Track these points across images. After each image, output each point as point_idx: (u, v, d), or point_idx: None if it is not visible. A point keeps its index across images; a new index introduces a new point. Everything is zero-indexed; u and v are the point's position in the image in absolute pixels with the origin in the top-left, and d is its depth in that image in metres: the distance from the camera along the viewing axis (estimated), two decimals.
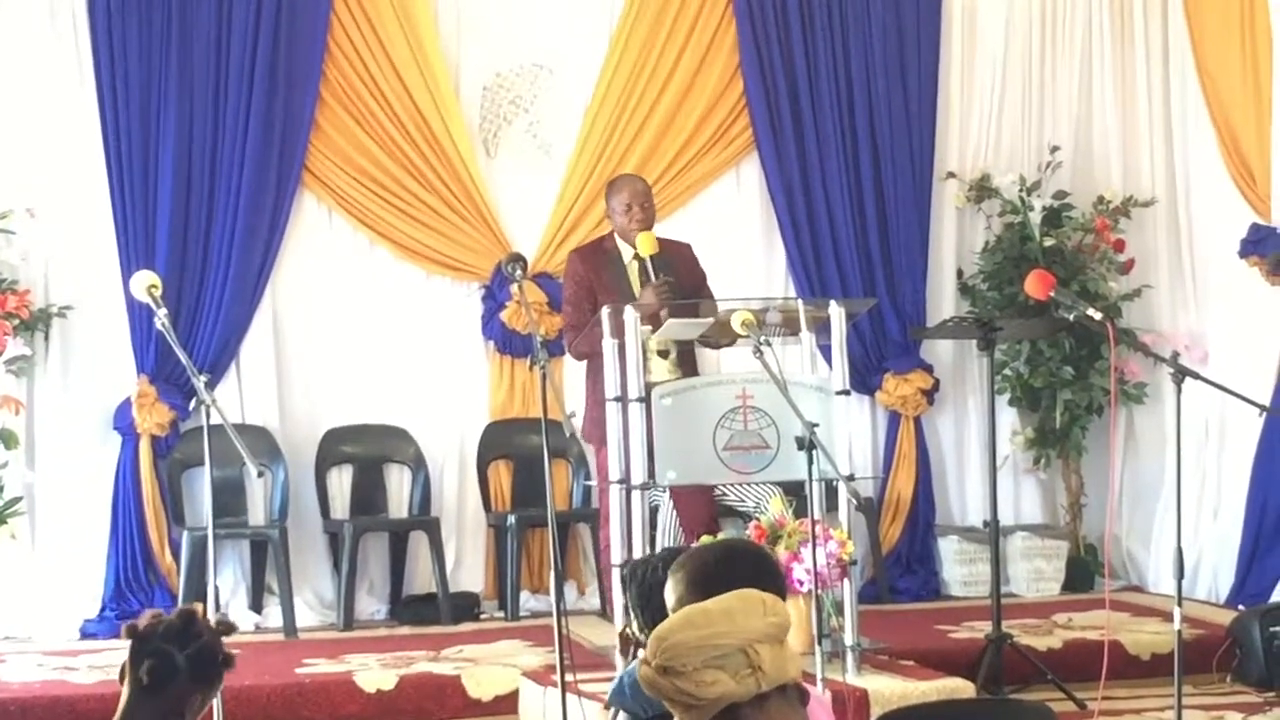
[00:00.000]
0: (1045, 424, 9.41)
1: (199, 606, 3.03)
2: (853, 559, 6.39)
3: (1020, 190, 9.42)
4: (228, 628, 2.83)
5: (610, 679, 6.28)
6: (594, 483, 8.59)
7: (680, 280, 7.12)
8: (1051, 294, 6.14)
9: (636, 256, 7.13)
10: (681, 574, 3.50)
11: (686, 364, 7.12)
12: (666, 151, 9.22)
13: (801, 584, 5.97)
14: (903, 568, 9.27)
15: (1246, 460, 8.70)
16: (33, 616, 8.15)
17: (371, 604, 8.77)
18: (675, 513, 6.89)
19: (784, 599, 3.42)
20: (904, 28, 9.48)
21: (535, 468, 8.54)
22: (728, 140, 9.38)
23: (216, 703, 5.04)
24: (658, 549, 6.69)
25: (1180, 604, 5.48)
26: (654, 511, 6.76)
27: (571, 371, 8.84)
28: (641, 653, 2.88)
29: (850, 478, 6.16)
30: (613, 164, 9.12)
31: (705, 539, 6.21)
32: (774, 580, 3.51)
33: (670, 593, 3.48)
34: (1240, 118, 8.98)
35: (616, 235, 7.36)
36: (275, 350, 8.81)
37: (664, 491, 6.73)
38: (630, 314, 6.44)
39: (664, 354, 7.02)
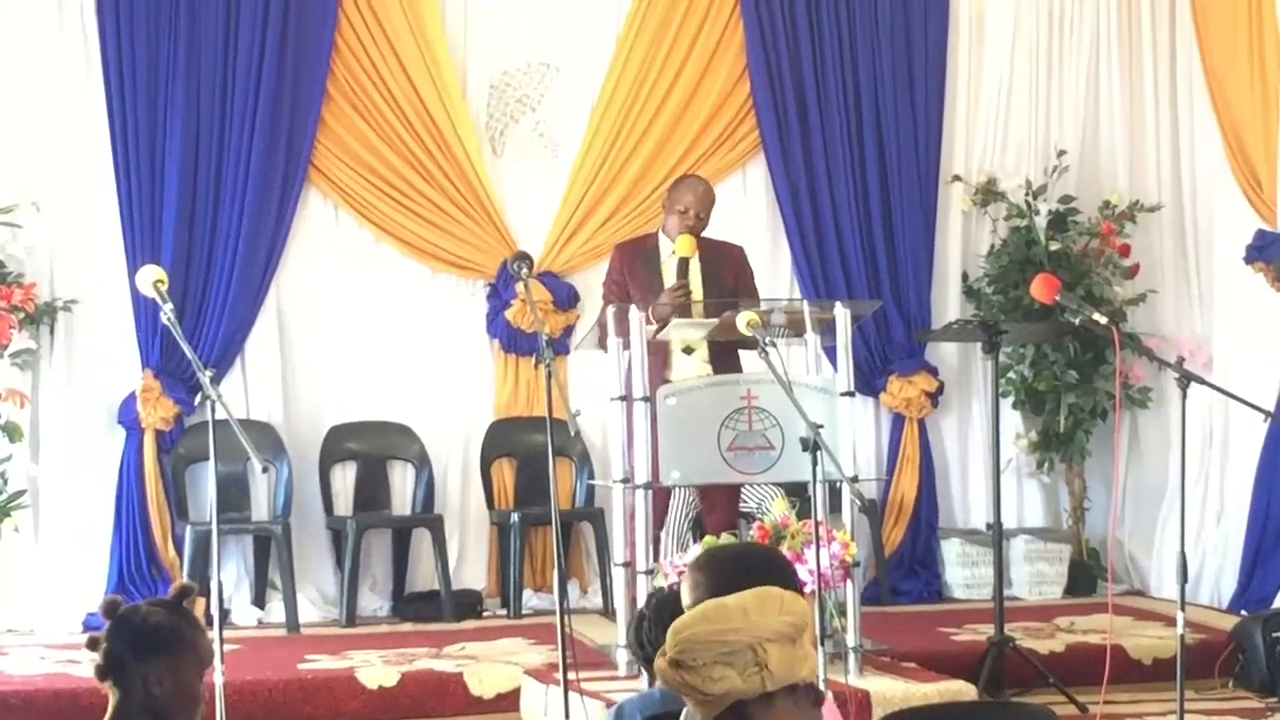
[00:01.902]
0: (1049, 427, 9.41)
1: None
2: (856, 560, 6.39)
3: (1026, 194, 9.42)
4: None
5: (611, 677, 6.32)
6: (597, 481, 8.62)
7: (723, 281, 7.11)
8: (1057, 298, 6.15)
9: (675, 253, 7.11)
10: (698, 577, 3.51)
11: (724, 360, 7.06)
12: (673, 152, 9.22)
13: (804, 585, 5.97)
14: (905, 570, 9.26)
15: (1250, 465, 8.70)
16: (36, 609, 8.17)
17: (374, 601, 8.78)
18: (682, 511, 6.88)
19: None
20: (911, 30, 9.48)
21: (539, 466, 8.53)
22: (734, 141, 9.37)
23: (219, 698, 5.04)
24: (662, 548, 6.72)
25: (1183, 609, 5.48)
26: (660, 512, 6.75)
27: (576, 370, 8.85)
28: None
29: (854, 479, 6.15)
30: (619, 163, 9.13)
31: (709, 539, 6.24)
32: (787, 583, 3.53)
33: (687, 594, 3.50)
34: (1247, 123, 8.98)
35: (662, 231, 7.34)
36: (280, 346, 8.81)
37: (671, 490, 6.73)
38: (635, 314, 6.44)
39: (688, 351, 7.00)
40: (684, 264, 6.98)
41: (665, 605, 4.04)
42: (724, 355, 7.04)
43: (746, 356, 7.11)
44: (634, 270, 7.22)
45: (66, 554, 8.32)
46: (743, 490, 6.86)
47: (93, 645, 3.26)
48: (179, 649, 3.22)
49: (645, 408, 6.36)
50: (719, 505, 6.88)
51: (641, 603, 5.43)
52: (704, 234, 7.18)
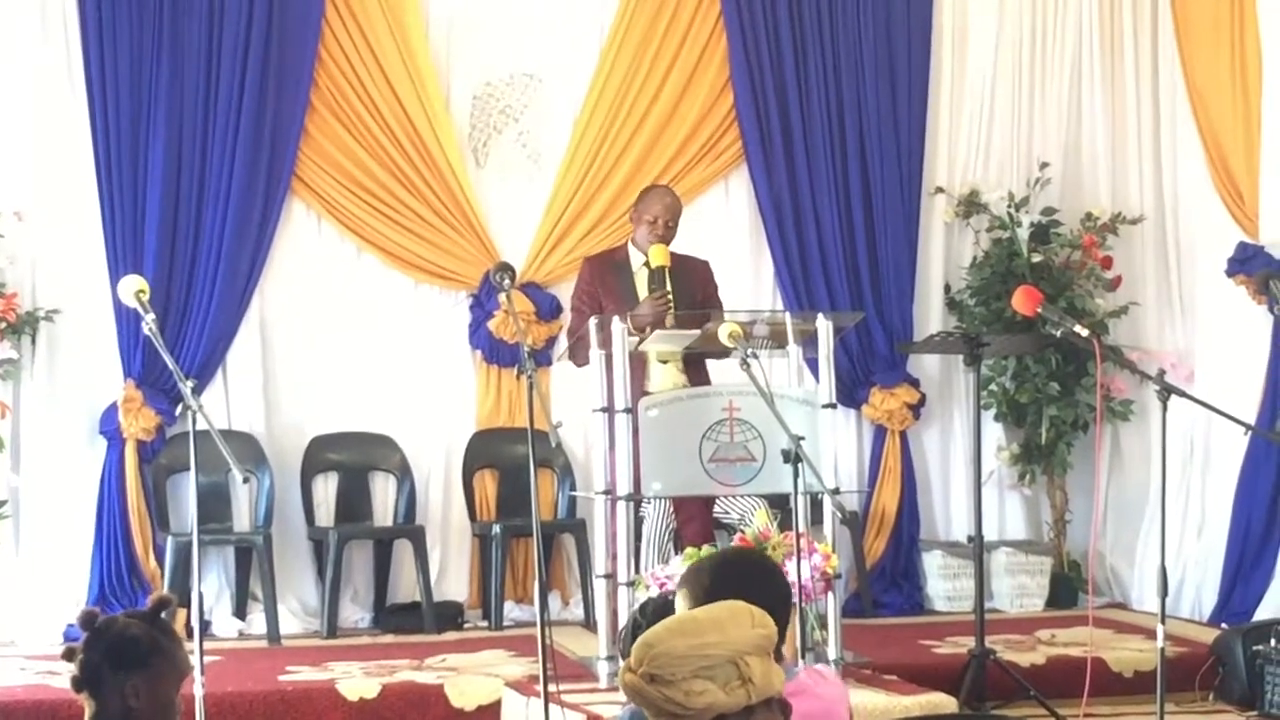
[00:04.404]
0: (1031, 440, 9.42)
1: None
2: (837, 573, 6.39)
3: (1009, 206, 9.44)
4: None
5: (592, 689, 6.31)
6: (579, 493, 8.61)
7: (690, 294, 7.12)
8: (1038, 310, 6.16)
9: (647, 264, 7.12)
10: (686, 589, 3.51)
11: (694, 371, 7.09)
12: (656, 163, 9.21)
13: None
14: (887, 582, 9.26)
15: (1231, 478, 8.71)
16: (16, 621, 8.14)
17: (355, 612, 8.76)
18: (662, 523, 6.88)
19: (789, 603, 3.46)
20: (894, 43, 9.50)
21: (521, 477, 8.53)
22: (717, 153, 9.38)
23: (199, 710, 5.02)
24: (643, 559, 6.71)
25: (1163, 621, 5.49)
26: (640, 522, 6.75)
27: (558, 381, 8.83)
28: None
29: (835, 491, 6.16)
30: (602, 175, 9.13)
31: (690, 551, 6.23)
32: (779, 585, 3.55)
33: (681, 605, 3.50)
34: (1229, 136, 9.01)
35: (630, 242, 7.34)
36: (262, 356, 8.79)
37: (649, 502, 6.72)
38: (618, 325, 6.44)
39: (664, 360, 7.00)
40: (659, 273, 6.99)
41: (662, 613, 4.03)
42: (695, 364, 7.07)
43: (714, 365, 7.14)
44: (606, 282, 7.23)
45: (47, 565, 8.30)
46: (724, 502, 6.86)
47: (69, 656, 3.26)
48: (156, 661, 3.23)
49: (626, 419, 6.35)
50: (695, 516, 6.88)
51: (629, 612, 5.42)
52: (670, 246, 7.18)
